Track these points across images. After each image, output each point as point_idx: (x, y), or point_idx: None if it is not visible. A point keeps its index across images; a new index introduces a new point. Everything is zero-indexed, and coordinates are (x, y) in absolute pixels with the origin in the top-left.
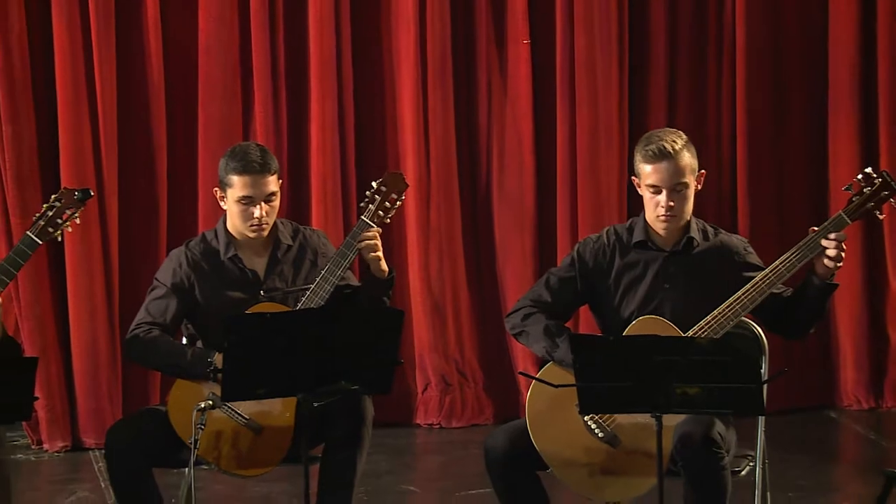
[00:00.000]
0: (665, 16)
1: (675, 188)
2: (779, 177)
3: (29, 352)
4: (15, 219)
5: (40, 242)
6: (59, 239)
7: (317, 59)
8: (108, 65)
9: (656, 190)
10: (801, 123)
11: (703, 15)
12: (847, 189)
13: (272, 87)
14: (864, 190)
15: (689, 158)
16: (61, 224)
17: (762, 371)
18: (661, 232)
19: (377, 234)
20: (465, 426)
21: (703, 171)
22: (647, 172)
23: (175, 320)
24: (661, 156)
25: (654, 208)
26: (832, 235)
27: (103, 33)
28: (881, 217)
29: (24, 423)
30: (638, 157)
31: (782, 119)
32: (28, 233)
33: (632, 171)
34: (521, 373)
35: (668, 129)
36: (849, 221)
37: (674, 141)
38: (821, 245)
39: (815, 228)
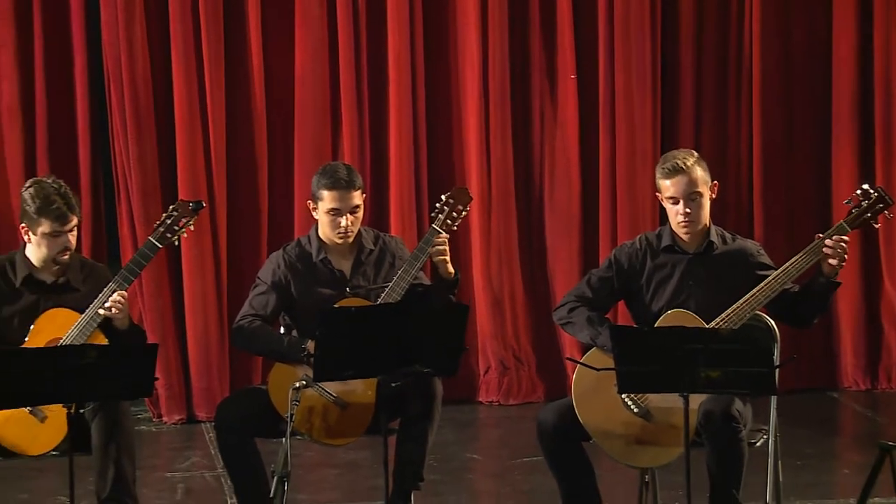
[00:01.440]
0: (692, 55)
1: (691, 197)
2: (789, 191)
3: (151, 339)
4: (139, 226)
5: (160, 246)
6: (177, 243)
7: (395, 90)
8: (217, 94)
9: (675, 201)
10: (808, 146)
11: (724, 54)
12: (847, 202)
13: (357, 114)
14: (862, 203)
15: (700, 172)
16: (178, 230)
17: (774, 357)
18: (684, 237)
19: (445, 241)
20: (520, 403)
21: (715, 182)
22: (666, 186)
23: (274, 313)
24: (676, 171)
25: (675, 217)
26: (833, 240)
27: (214, 68)
28: (877, 226)
29: (146, 399)
30: (658, 175)
31: (791, 142)
32: (150, 238)
33: (656, 187)
34: (568, 358)
35: (682, 149)
36: (849, 229)
37: (686, 158)
38: (825, 247)
39: (821, 235)
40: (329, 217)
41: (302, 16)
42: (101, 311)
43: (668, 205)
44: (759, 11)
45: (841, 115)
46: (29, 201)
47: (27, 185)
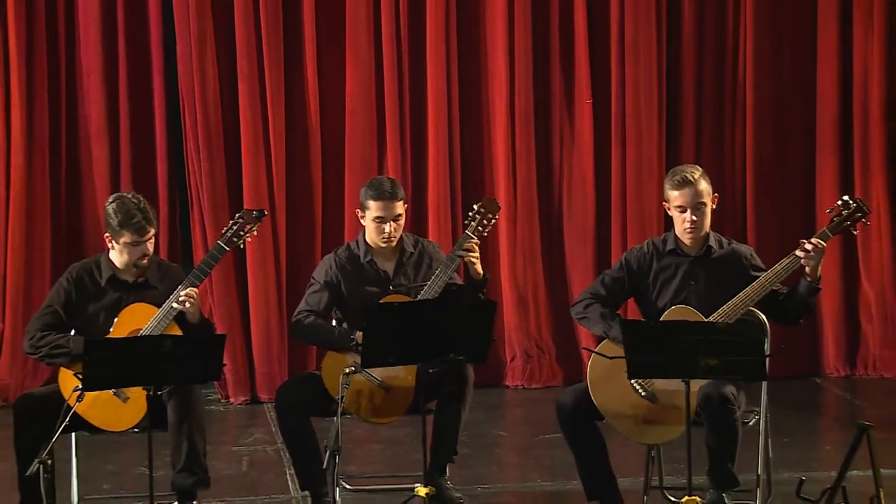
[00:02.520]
0: (693, 84)
1: (696, 207)
2: (778, 202)
3: (219, 330)
4: (209, 232)
5: (227, 249)
6: (242, 246)
7: (432, 114)
8: (278, 118)
9: (682, 209)
10: (795, 162)
11: (721, 82)
12: (830, 211)
13: (399, 135)
14: (843, 212)
15: (704, 185)
16: (243, 235)
17: (765, 348)
18: (687, 242)
19: (476, 245)
20: (541, 387)
21: (716, 194)
22: (675, 196)
23: (326, 308)
24: (685, 184)
25: (682, 224)
26: (812, 242)
27: (275, 95)
28: (855, 233)
29: (215, 382)
30: (667, 187)
31: (781, 158)
32: (219, 242)
33: (664, 197)
34: (584, 348)
35: (688, 164)
36: (830, 235)
37: (692, 172)
38: (806, 250)
39: (805, 241)
40: (375, 224)
41: (352, 51)
42: (176, 305)
43: (675, 213)
44: (752, 45)
45: (824, 135)
46: (112, 215)
47: (111, 199)
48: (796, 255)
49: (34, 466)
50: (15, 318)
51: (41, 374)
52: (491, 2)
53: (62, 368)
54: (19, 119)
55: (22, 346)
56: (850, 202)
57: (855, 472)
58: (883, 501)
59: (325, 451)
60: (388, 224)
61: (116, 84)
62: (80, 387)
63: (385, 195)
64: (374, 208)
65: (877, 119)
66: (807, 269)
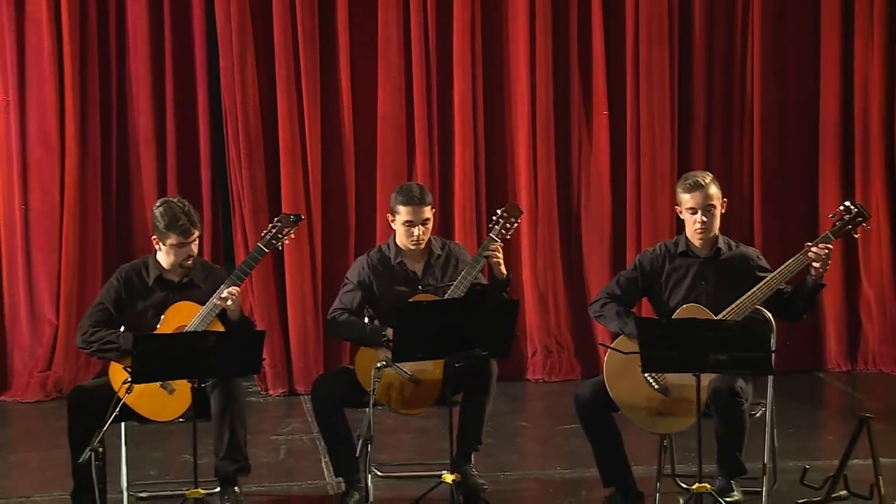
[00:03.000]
0: (704, 96)
1: (706, 209)
2: (783, 207)
3: (259, 327)
4: (250, 235)
5: (267, 251)
6: (280, 249)
7: (459, 123)
8: (314, 127)
9: (693, 211)
10: (799, 169)
11: (729, 96)
12: (832, 216)
13: (427, 143)
14: (844, 217)
15: (714, 189)
16: (281, 238)
17: (771, 344)
18: (698, 244)
19: (499, 247)
20: (560, 381)
21: (725, 198)
22: (686, 199)
23: (359, 307)
24: (696, 187)
25: (692, 225)
26: (819, 246)
27: (311, 106)
28: (856, 236)
29: (255, 375)
30: (679, 190)
31: (785, 166)
32: (259, 244)
33: (676, 200)
34: (600, 343)
35: (698, 170)
36: (833, 239)
37: (703, 177)
38: (813, 253)
39: (809, 244)
40: (404, 227)
41: (384, 65)
42: (218, 303)
43: (686, 215)
44: (758, 60)
45: (826, 144)
46: (159, 218)
47: (158, 204)
48: (802, 258)
49: (86, 454)
50: (69, 315)
51: (93, 368)
52: (514, 19)
53: (112, 362)
54: (73, 128)
55: (75, 342)
56: (852, 207)
57: (856, 460)
58: (882, 489)
59: (358, 441)
60: (416, 227)
61: (163, 96)
62: (129, 380)
63: (414, 200)
64: (403, 213)
65: (876, 129)
66: (814, 271)
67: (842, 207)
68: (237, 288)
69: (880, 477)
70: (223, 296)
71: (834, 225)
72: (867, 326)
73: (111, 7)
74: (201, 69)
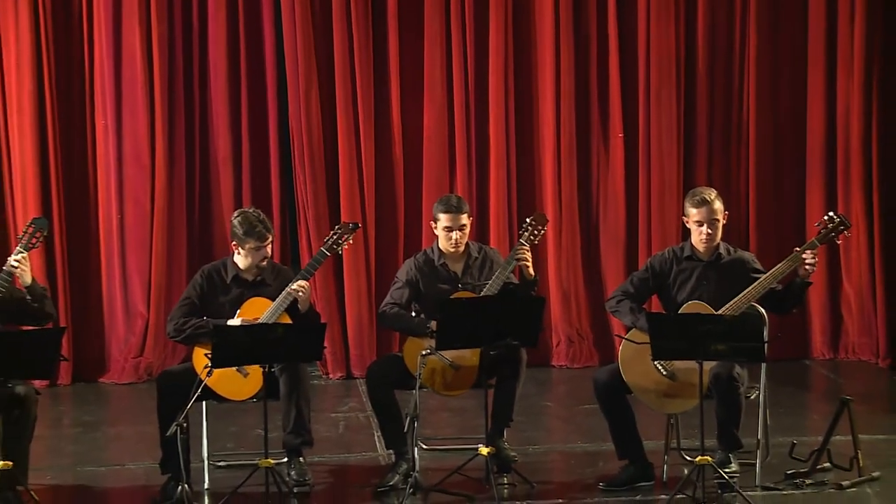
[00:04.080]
0: (706, 119)
1: (711, 222)
2: (775, 216)
3: (323, 319)
4: (314, 241)
5: (329, 255)
6: (340, 253)
7: (493, 143)
8: (368, 145)
9: (700, 224)
10: (790, 183)
11: (728, 119)
12: (818, 224)
13: (466, 160)
14: (828, 225)
15: (718, 204)
16: (341, 244)
17: (764, 335)
18: (702, 250)
19: (528, 251)
20: (581, 367)
21: (727, 211)
22: (694, 213)
23: (407, 302)
24: (703, 203)
25: (698, 235)
26: (808, 252)
27: (366, 126)
28: (839, 242)
29: (318, 361)
30: (687, 204)
31: (777, 181)
32: (322, 249)
33: (683, 212)
34: (616, 335)
35: (705, 187)
36: (818, 244)
37: (709, 194)
38: (801, 258)
39: (798, 249)
40: (445, 233)
41: (429, 93)
42: (290, 290)
43: (693, 226)
44: (754, 90)
45: (813, 163)
46: (238, 226)
47: (236, 214)
48: (792, 261)
49: (173, 429)
50: (157, 310)
51: (178, 354)
52: (541, 54)
53: (196, 349)
54: (162, 149)
55: (163, 332)
56: (835, 217)
57: (837, 437)
58: (861, 461)
59: (406, 418)
60: (454, 232)
61: (239, 121)
62: (210, 364)
63: (452, 209)
64: (443, 220)
65: (856, 150)
66: (801, 271)
67: (826, 217)
68: (306, 282)
69: (859, 451)
70: (294, 287)
71: (819, 232)
72: (848, 320)
73: (195, 45)
74: (271, 97)
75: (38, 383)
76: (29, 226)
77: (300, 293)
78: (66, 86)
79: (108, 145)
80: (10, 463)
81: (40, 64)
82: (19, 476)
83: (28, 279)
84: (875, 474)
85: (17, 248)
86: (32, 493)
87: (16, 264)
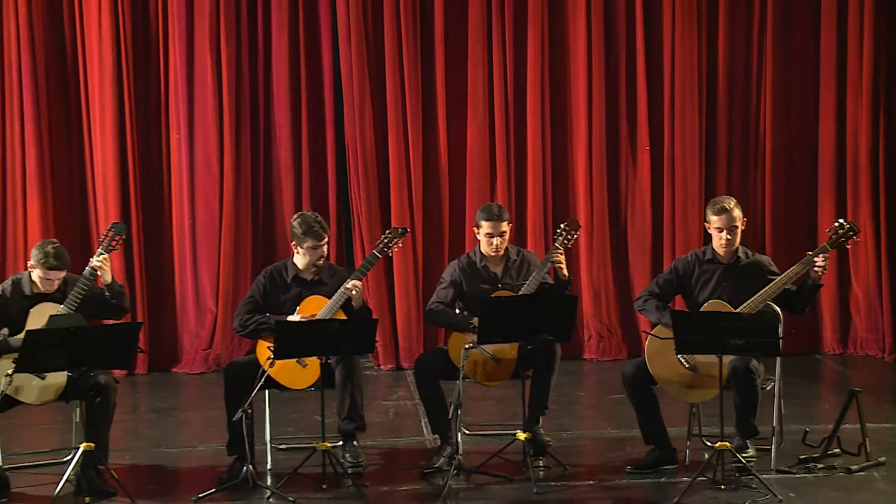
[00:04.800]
0: (726, 134)
1: (731, 229)
2: (789, 223)
3: (375, 315)
4: (366, 243)
5: (380, 257)
6: (390, 255)
7: (531, 155)
8: (417, 158)
9: (720, 230)
10: (803, 193)
11: (746, 132)
12: (829, 230)
13: (506, 171)
14: (839, 231)
15: (738, 212)
16: (391, 246)
17: (779, 332)
18: (722, 253)
19: (562, 254)
20: (610, 360)
21: (745, 218)
22: (714, 220)
23: (452, 300)
24: (723, 211)
25: (719, 240)
26: (819, 256)
27: (415, 141)
28: (848, 247)
29: (370, 354)
30: (709, 212)
31: (791, 191)
32: (373, 251)
33: (705, 219)
34: (643, 331)
35: (725, 196)
36: (829, 249)
37: (729, 202)
38: (813, 261)
39: (810, 252)
40: (486, 238)
41: (472, 109)
42: (344, 290)
43: (714, 232)
44: (770, 108)
45: (824, 176)
46: (297, 227)
47: (295, 216)
48: (804, 264)
49: (238, 414)
50: (225, 306)
51: (244, 347)
52: (575, 74)
53: (259, 342)
54: (229, 159)
55: (230, 327)
56: (845, 224)
57: (846, 425)
58: (868, 447)
59: (451, 406)
60: (495, 238)
61: (300, 134)
62: (272, 356)
63: (494, 216)
64: (485, 226)
65: (864, 163)
66: (813, 273)
67: (836, 224)
68: (359, 282)
69: (866, 438)
70: (348, 286)
71: (830, 238)
72: (856, 318)
73: (260, 65)
74: (329, 112)
75: (117, 373)
76: (109, 229)
77: (353, 292)
78: (143, 102)
79: (181, 156)
80: (93, 445)
81: (121, 83)
82: (101, 456)
83: (108, 278)
84: (881, 459)
85: (99, 249)
86: (112, 472)
87: (98, 264)
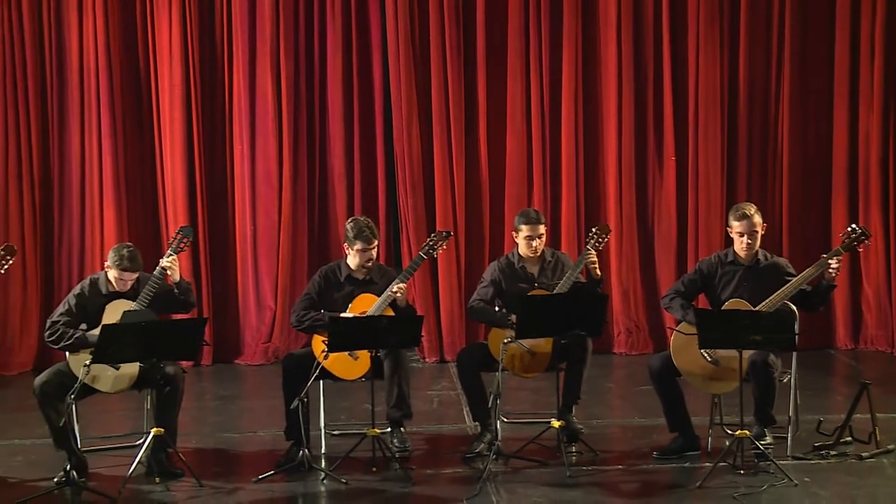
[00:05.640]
0: (746, 144)
1: (751, 233)
2: (804, 228)
3: (420, 312)
4: (413, 245)
5: (426, 258)
6: (435, 256)
7: (565, 164)
8: (460, 167)
9: (741, 235)
10: (818, 200)
11: (765, 144)
12: (842, 235)
13: (542, 178)
14: (851, 236)
15: (757, 218)
16: (436, 248)
17: (795, 328)
18: (743, 256)
19: (594, 255)
20: (638, 354)
21: (765, 223)
22: (736, 225)
23: (492, 298)
24: (744, 217)
25: (740, 244)
26: (833, 258)
27: (458, 152)
28: (860, 250)
29: (416, 347)
30: (731, 218)
31: (807, 197)
32: (420, 253)
33: (727, 224)
34: (668, 327)
35: (747, 202)
36: (842, 252)
37: (750, 208)
38: (827, 263)
39: (824, 255)
40: (525, 241)
41: (511, 122)
42: (391, 294)
43: (735, 236)
44: (787, 120)
45: (838, 183)
46: (350, 230)
47: (348, 221)
48: (819, 266)
49: (295, 402)
50: (283, 304)
51: (300, 341)
52: (606, 88)
53: (314, 336)
54: (288, 170)
55: (288, 322)
56: (857, 229)
57: (858, 415)
58: (878, 435)
59: (490, 396)
60: (534, 241)
61: (352, 145)
62: (326, 349)
63: (532, 220)
64: (524, 230)
65: (875, 173)
66: (827, 275)
67: (849, 229)
68: (404, 284)
69: (877, 427)
70: (394, 290)
71: (843, 242)
72: (867, 316)
73: (316, 83)
74: (379, 125)
75: (185, 364)
76: (177, 233)
77: (398, 294)
78: (209, 118)
79: (244, 166)
80: (162, 430)
81: (189, 101)
82: (169, 440)
83: (177, 277)
84: (890, 447)
85: (168, 251)
86: (180, 454)
87: (167, 264)
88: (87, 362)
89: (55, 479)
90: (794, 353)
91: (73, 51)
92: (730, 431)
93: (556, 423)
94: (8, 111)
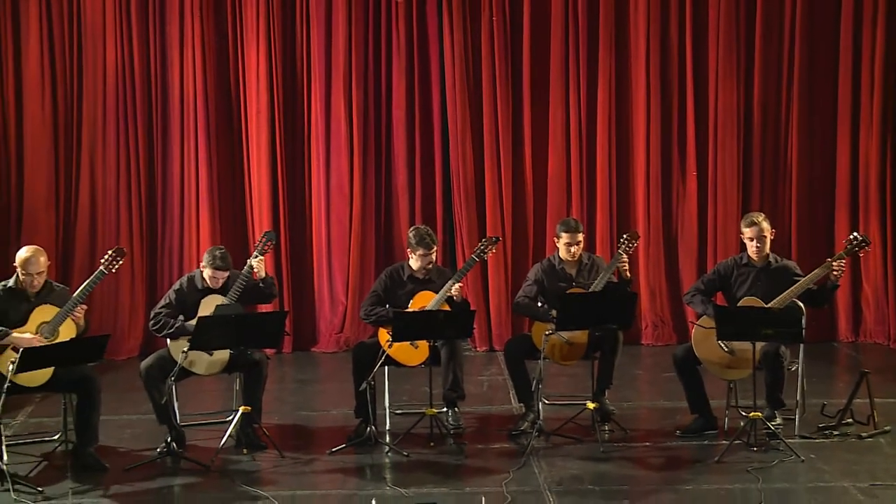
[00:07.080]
0: (759, 161)
1: (759, 238)
2: (811, 233)
3: (472, 307)
4: (466, 249)
5: (478, 261)
6: (485, 258)
7: (600, 178)
8: (507, 179)
9: (751, 240)
10: (823, 210)
11: (776, 161)
12: (845, 242)
13: (580, 190)
14: (853, 242)
15: (765, 224)
16: (486, 252)
17: (802, 323)
18: (755, 258)
19: (625, 258)
20: (663, 345)
21: (773, 230)
22: (746, 231)
23: (535, 296)
24: (753, 224)
25: (751, 248)
26: (836, 262)
27: (506, 165)
28: (861, 255)
29: (468, 338)
30: (743, 225)
31: (813, 207)
32: (472, 255)
33: (740, 231)
34: (690, 321)
35: (756, 212)
36: (845, 256)
37: (758, 217)
38: (832, 266)
39: (829, 259)
40: (565, 247)
41: (552, 138)
42: (446, 293)
43: (747, 241)
44: (796, 138)
45: (841, 195)
46: (412, 237)
47: (411, 229)
48: (824, 268)
49: (363, 385)
50: (353, 299)
51: (368, 331)
52: (636, 111)
53: (380, 328)
54: (358, 182)
55: (357, 316)
56: (858, 236)
57: (858, 400)
58: (876, 418)
59: (533, 381)
60: (573, 247)
61: (414, 161)
62: (391, 339)
63: (571, 228)
64: (564, 237)
65: (874, 187)
66: (832, 276)
67: (851, 236)
68: (459, 284)
69: (875, 411)
70: (453, 290)
71: (846, 247)
72: (866, 312)
73: (383, 106)
74: (437, 143)
75: (269, 351)
76: (262, 237)
77: (455, 294)
78: (290, 136)
79: (320, 180)
80: (249, 408)
81: (273, 121)
82: (255, 417)
83: (262, 274)
84: (887, 428)
85: (254, 252)
86: (264, 429)
87: (255, 264)
88: (186, 349)
89: (158, 450)
90: (802, 345)
91: (174, 82)
92: (744, 413)
93: (590, 405)
94: (119, 135)
